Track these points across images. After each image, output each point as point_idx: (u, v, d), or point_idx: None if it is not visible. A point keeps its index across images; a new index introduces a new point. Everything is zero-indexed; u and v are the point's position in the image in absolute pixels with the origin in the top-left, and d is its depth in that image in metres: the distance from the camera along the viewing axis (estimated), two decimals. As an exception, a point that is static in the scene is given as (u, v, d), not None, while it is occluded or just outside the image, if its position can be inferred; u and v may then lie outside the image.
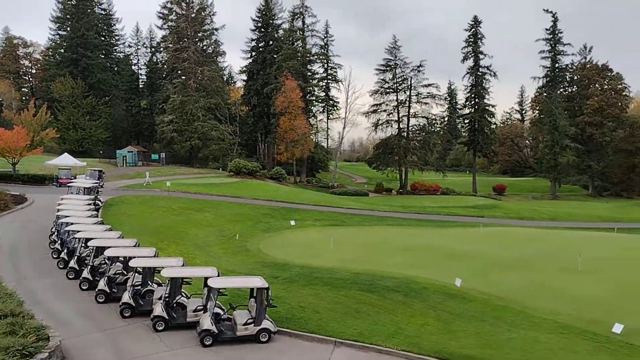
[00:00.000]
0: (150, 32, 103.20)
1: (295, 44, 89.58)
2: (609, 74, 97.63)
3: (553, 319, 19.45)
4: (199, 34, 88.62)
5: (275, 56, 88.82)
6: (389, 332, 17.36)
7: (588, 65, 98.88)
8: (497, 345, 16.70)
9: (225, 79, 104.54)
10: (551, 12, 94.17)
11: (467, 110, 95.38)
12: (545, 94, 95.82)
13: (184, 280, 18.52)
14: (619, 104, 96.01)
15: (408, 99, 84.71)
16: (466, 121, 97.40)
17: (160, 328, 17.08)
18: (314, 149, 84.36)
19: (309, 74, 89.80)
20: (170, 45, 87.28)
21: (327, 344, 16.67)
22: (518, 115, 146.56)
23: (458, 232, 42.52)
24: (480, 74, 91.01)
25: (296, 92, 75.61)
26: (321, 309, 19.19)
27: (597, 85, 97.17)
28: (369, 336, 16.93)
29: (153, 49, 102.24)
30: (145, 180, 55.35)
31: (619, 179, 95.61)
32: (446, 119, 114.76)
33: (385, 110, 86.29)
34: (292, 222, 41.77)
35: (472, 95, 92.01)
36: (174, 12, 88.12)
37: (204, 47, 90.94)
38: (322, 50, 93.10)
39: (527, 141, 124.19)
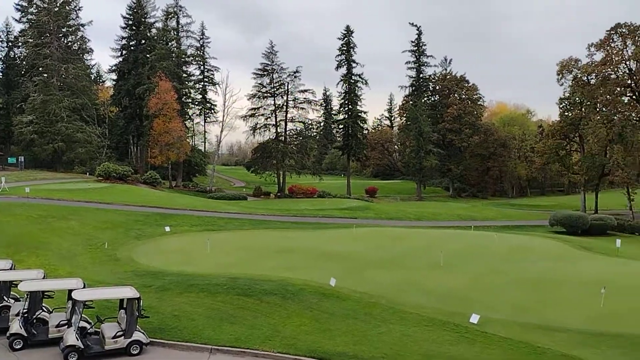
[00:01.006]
0: (6, 26, 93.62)
1: (170, 44, 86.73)
2: (466, 85, 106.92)
3: (418, 313, 20.82)
4: (63, 29, 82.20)
5: (148, 55, 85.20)
6: (266, 335, 17.54)
7: (448, 77, 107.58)
8: (368, 341, 17.57)
9: (93, 78, 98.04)
10: (416, 25, 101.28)
11: (341, 116, 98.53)
12: (411, 102, 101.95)
13: (45, 293, 17.28)
14: (475, 112, 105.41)
15: (285, 104, 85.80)
16: (341, 126, 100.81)
17: (18, 347, 15.80)
18: (190, 152, 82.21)
19: (185, 75, 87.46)
20: (30, 40, 79.98)
21: (203, 352, 16.46)
22: (388, 122, 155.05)
23: (334, 233, 43.96)
24: (353, 81, 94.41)
25: (171, 93, 73.17)
26: (197, 317, 18.86)
27: (456, 95, 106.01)
28: (245, 341, 16.97)
29: (10, 44, 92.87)
30: (0, 186, 50.36)
31: (475, 181, 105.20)
32: (322, 124, 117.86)
33: (263, 115, 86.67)
34: (167, 229, 40.42)
35: (346, 102, 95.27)
36: (35, 5, 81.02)
37: (69, 44, 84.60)
38: (198, 52, 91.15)
39: (395, 146, 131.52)
